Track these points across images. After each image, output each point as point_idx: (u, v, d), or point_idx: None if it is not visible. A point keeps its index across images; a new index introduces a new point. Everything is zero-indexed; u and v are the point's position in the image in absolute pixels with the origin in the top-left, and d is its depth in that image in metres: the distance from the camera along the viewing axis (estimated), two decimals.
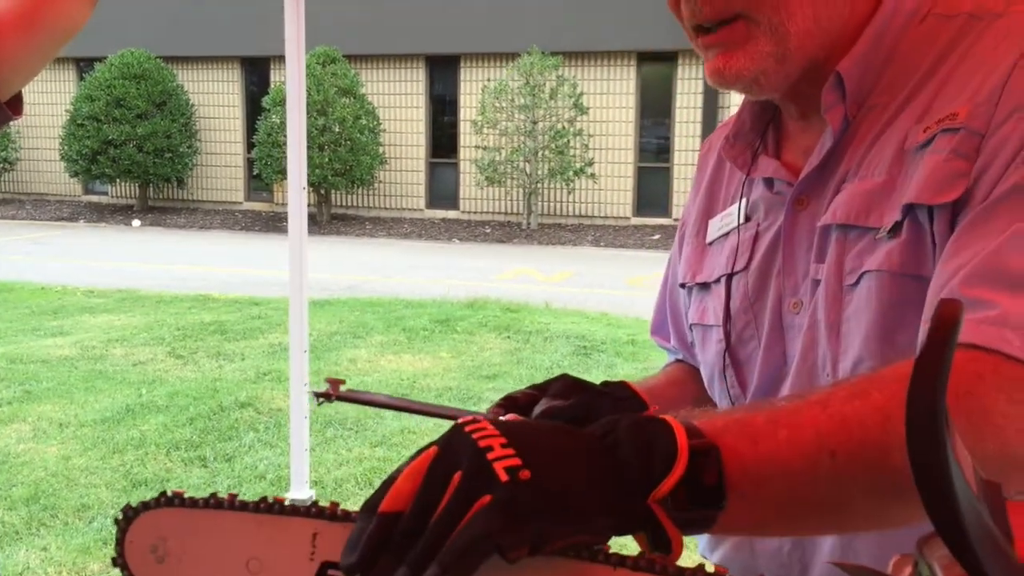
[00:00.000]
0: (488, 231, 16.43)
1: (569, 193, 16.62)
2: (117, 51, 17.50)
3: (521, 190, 16.40)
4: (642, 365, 6.74)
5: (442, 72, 17.83)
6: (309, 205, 16.04)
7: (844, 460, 0.62)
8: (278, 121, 16.34)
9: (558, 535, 0.55)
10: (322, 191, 16.77)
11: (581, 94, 15.86)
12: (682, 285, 1.09)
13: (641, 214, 16.73)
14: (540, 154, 15.77)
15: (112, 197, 19.66)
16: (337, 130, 16.17)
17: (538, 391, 0.99)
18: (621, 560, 0.57)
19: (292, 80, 2.47)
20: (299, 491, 2.92)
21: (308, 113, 15.54)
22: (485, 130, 16.00)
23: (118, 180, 18.18)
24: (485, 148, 16.14)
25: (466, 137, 17.28)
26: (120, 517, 0.73)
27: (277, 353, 7.03)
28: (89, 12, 1.25)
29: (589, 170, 15.86)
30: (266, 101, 16.89)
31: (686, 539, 0.60)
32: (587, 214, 16.91)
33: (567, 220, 16.94)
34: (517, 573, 0.56)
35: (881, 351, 0.80)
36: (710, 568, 0.55)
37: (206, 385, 6.13)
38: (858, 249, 0.83)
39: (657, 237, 15.53)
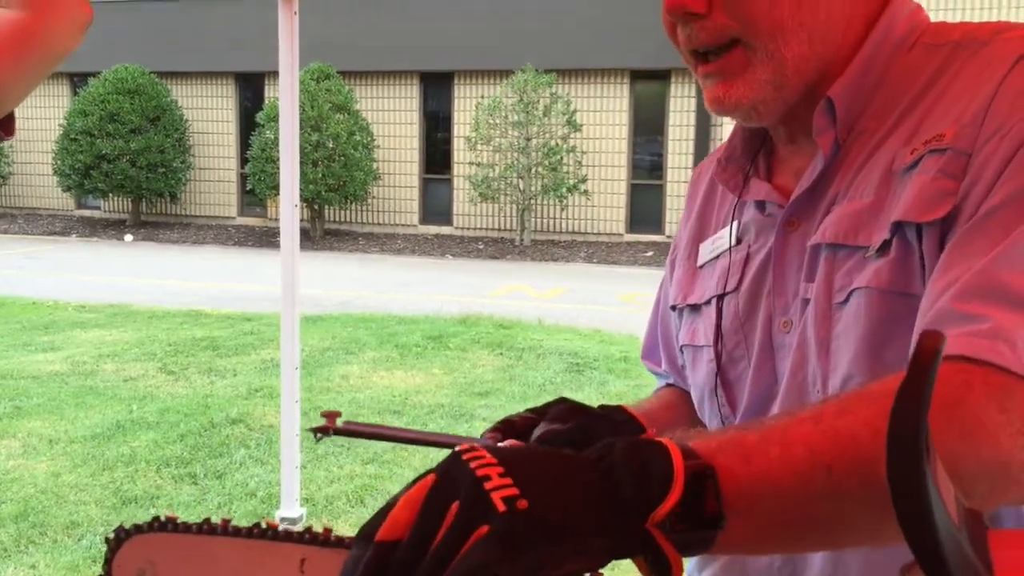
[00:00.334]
0: (481, 247, 16.45)
1: (562, 210, 16.66)
2: (111, 66, 17.52)
3: (514, 206, 16.43)
4: (634, 382, 6.74)
5: (436, 89, 17.89)
6: (302, 220, 15.99)
7: (838, 475, 0.63)
8: (272, 137, 16.36)
9: (556, 564, 0.55)
10: (315, 206, 16.78)
11: (575, 111, 15.92)
12: (673, 307, 1.10)
13: (634, 231, 16.77)
14: (533, 171, 15.82)
15: (105, 212, 19.64)
16: (331, 146, 16.20)
17: (536, 415, 0.99)
18: None
19: (285, 97, 2.48)
20: (290, 509, 2.91)
21: (302, 129, 15.55)
22: (479, 146, 16.04)
23: (111, 195, 18.17)
24: (479, 164, 16.18)
25: (460, 153, 17.33)
26: (111, 538, 0.73)
27: (269, 369, 7.02)
28: (81, 36, 1.27)
29: (582, 187, 15.90)
30: (260, 117, 16.92)
31: None
32: (580, 231, 16.95)
33: (560, 236, 16.97)
34: None
35: (870, 368, 0.82)
36: None
37: (197, 401, 6.11)
38: (847, 268, 0.84)
39: (650, 254, 15.57)
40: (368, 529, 0.58)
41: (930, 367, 0.46)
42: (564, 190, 15.74)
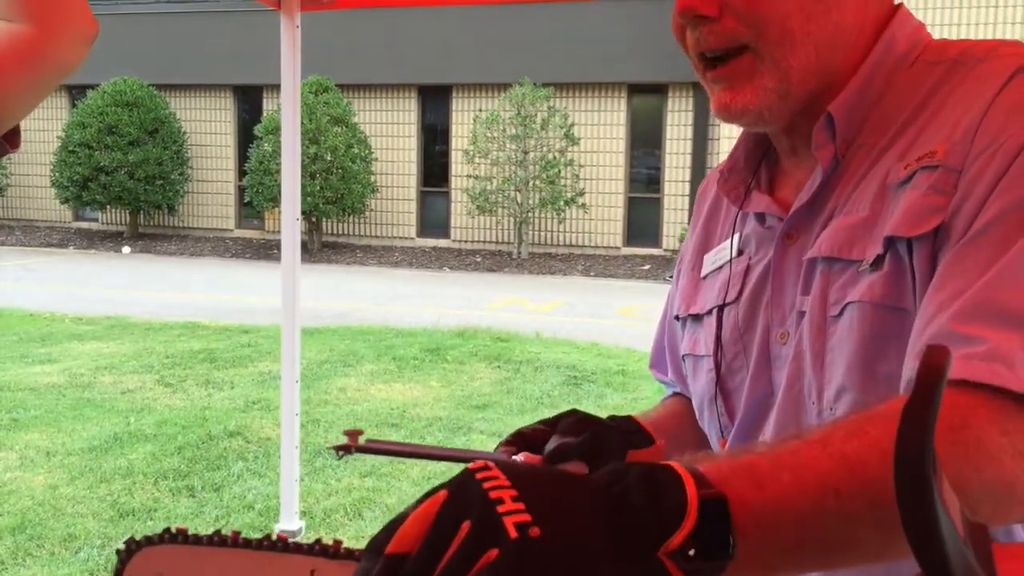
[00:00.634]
0: (479, 260, 16.46)
1: (560, 223, 16.69)
2: (110, 79, 17.56)
3: (512, 219, 16.45)
4: (631, 395, 6.74)
5: (434, 102, 17.94)
6: (300, 233, 15.99)
7: (848, 499, 0.63)
8: (270, 149, 16.39)
9: None
10: (313, 219, 16.80)
11: (572, 125, 15.97)
12: (676, 317, 1.12)
13: (631, 244, 16.79)
14: (531, 184, 15.85)
15: (102, 223, 19.64)
16: (329, 159, 16.23)
17: (548, 427, 0.99)
18: None
19: (287, 111, 2.49)
20: (289, 522, 2.91)
21: (300, 142, 15.57)
22: (476, 159, 16.08)
23: (108, 207, 18.18)
24: (476, 177, 16.21)
25: (457, 166, 17.36)
26: (121, 549, 0.73)
27: (267, 382, 7.01)
28: (86, 51, 1.28)
29: (580, 200, 15.93)
30: (258, 129, 16.95)
31: None
32: (577, 244, 16.97)
33: (557, 250, 16.99)
34: None
35: (863, 381, 0.83)
36: None
37: (195, 414, 6.10)
38: (842, 281, 0.85)
39: (647, 267, 15.58)
40: (378, 542, 0.58)
41: (937, 384, 0.47)
42: (562, 203, 15.77)
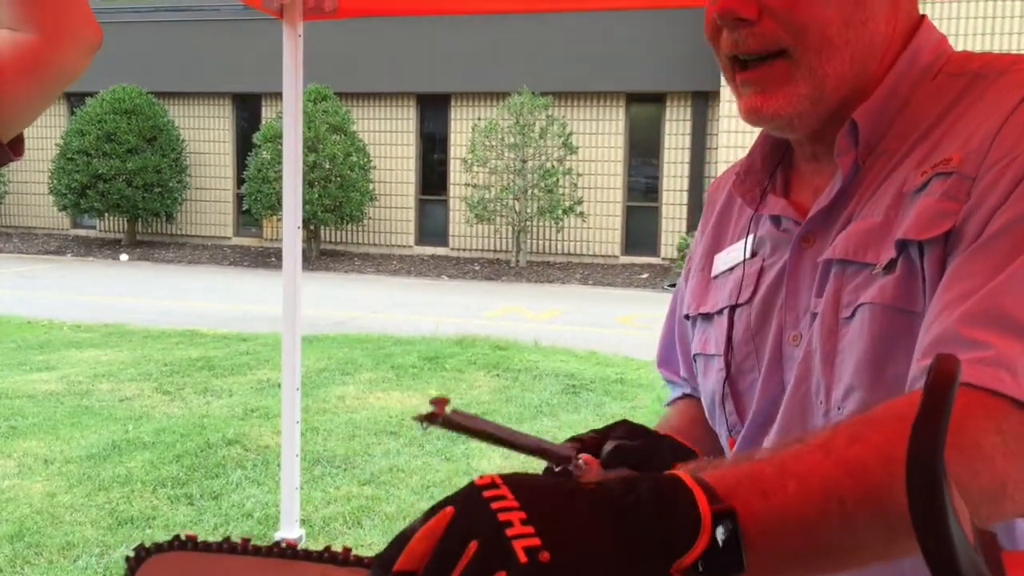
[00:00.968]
0: (477, 268, 16.46)
1: (558, 231, 16.70)
2: (109, 86, 17.57)
3: (510, 228, 16.47)
4: (630, 404, 6.74)
5: (433, 110, 17.97)
6: (301, 241, 15.98)
7: (853, 506, 0.64)
8: (268, 157, 16.40)
9: None
10: (312, 227, 16.80)
11: (570, 133, 16.00)
12: (686, 316, 1.13)
13: (629, 253, 16.81)
14: (529, 192, 15.87)
15: (100, 231, 19.63)
16: (327, 167, 16.24)
17: (600, 435, 0.99)
18: None
19: (289, 120, 2.50)
20: (289, 530, 2.90)
21: (302, 150, 15.58)
22: (475, 168, 16.10)
23: (107, 214, 18.17)
24: (475, 186, 16.23)
25: (456, 175, 17.38)
26: (131, 556, 0.74)
27: (265, 389, 7.00)
28: (89, 59, 1.28)
29: (578, 208, 15.95)
30: (257, 137, 16.97)
31: None
32: (576, 252, 16.98)
33: (556, 258, 17.00)
34: None
35: (871, 382, 0.84)
36: None
37: (193, 422, 6.09)
38: (855, 284, 0.86)
39: (645, 276, 15.60)
40: (386, 557, 0.58)
41: (948, 393, 0.47)
42: (560, 212, 15.79)
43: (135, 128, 17.45)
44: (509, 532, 0.55)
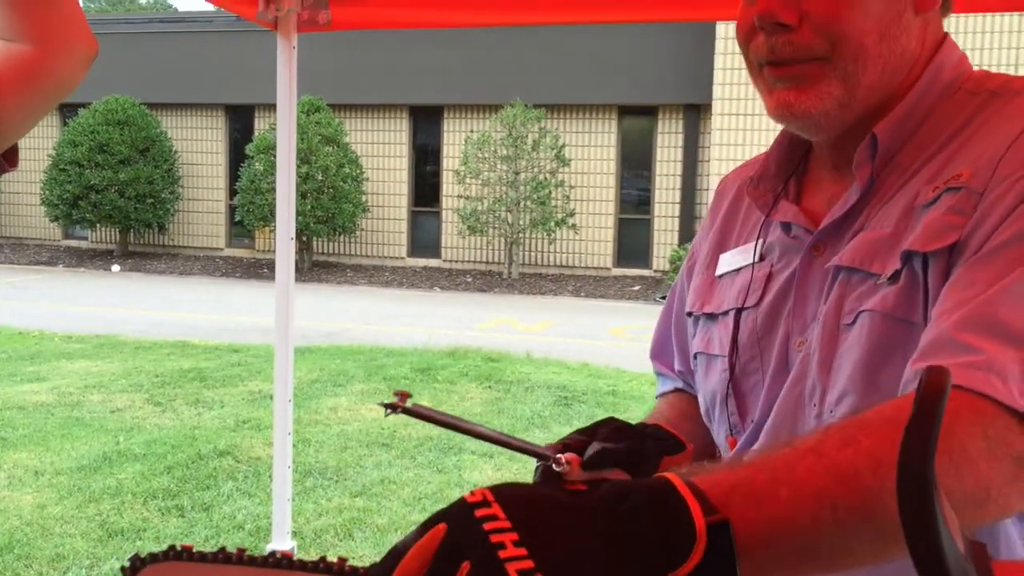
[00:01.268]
0: (469, 280, 16.47)
1: (550, 243, 16.72)
2: (102, 97, 17.56)
3: (503, 240, 16.48)
4: (622, 415, 6.72)
5: (425, 122, 18.00)
6: (294, 253, 15.88)
7: (844, 512, 0.65)
8: (261, 168, 16.39)
9: None
10: (304, 238, 16.78)
11: (563, 146, 16.04)
12: (689, 314, 1.13)
13: (622, 265, 16.83)
14: (522, 204, 15.89)
15: (92, 242, 19.58)
16: (320, 178, 16.24)
17: (586, 435, 0.99)
18: None
19: (282, 133, 2.50)
20: (281, 542, 2.89)
21: (295, 162, 15.57)
22: (467, 180, 16.12)
23: (98, 225, 18.13)
24: (467, 198, 16.24)
25: (448, 186, 17.40)
26: (126, 567, 0.74)
27: (257, 401, 6.99)
28: (85, 70, 1.29)
29: (570, 221, 15.98)
30: (250, 148, 16.96)
31: None
32: (568, 264, 17.00)
33: (548, 270, 17.01)
34: None
35: (865, 389, 0.85)
36: None
37: (184, 433, 6.07)
38: (859, 292, 0.88)
39: (637, 288, 15.61)
40: (379, 573, 0.58)
41: (938, 404, 0.48)
42: (552, 224, 15.81)
43: (128, 139, 17.43)
44: (502, 554, 0.54)
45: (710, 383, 1.07)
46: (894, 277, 0.85)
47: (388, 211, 18.02)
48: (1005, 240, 0.78)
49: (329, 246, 18.08)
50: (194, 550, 0.72)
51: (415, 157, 18.19)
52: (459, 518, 0.57)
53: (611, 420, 1.01)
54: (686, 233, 16.13)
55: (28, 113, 1.29)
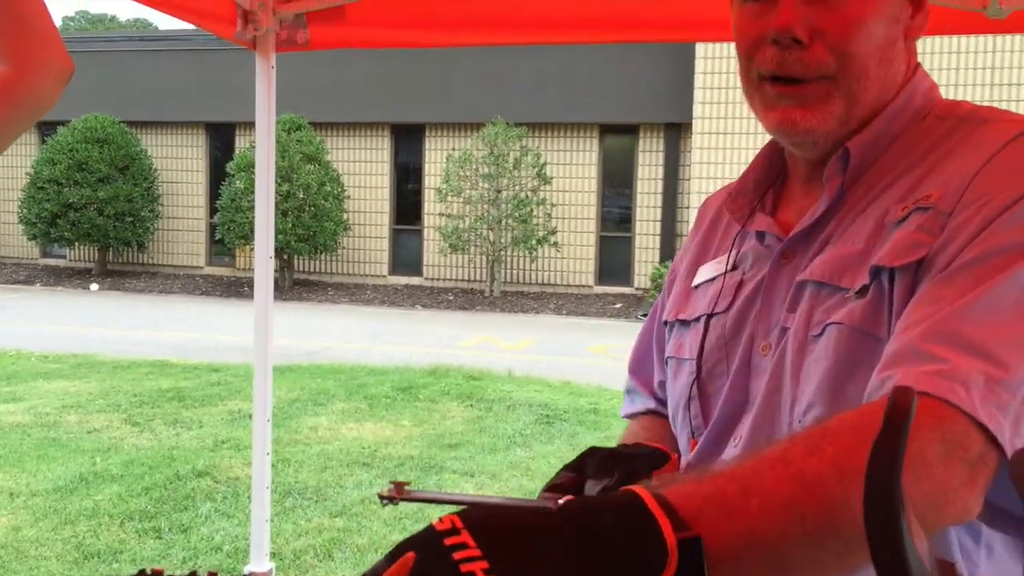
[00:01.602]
0: (451, 298, 16.45)
1: (532, 261, 16.74)
2: (81, 115, 17.48)
3: (484, 257, 16.49)
4: (604, 433, 6.74)
5: (407, 140, 18.02)
6: (273, 272, 15.81)
7: (811, 522, 0.65)
8: (242, 186, 16.35)
9: None
10: (285, 256, 16.73)
11: (544, 164, 16.09)
12: (665, 322, 1.17)
13: (603, 283, 16.87)
14: (503, 222, 15.91)
15: (70, 260, 19.43)
16: (301, 196, 16.21)
17: (575, 471, 1.02)
18: None
19: (261, 153, 2.50)
20: (259, 563, 2.86)
21: (274, 181, 15.54)
22: (449, 198, 16.13)
23: (77, 243, 18.00)
24: (449, 216, 16.25)
25: (430, 204, 17.40)
26: None
27: (236, 420, 6.93)
28: (61, 90, 1.29)
29: (552, 239, 16.01)
30: (230, 166, 16.91)
31: None
32: (550, 282, 17.02)
33: (530, 288, 17.02)
34: None
35: (832, 400, 0.88)
36: None
37: (162, 453, 6.02)
38: (828, 305, 0.91)
39: (619, 306, 15.64)
40: None
41: (904, 425, 0.48)
42: (534, 242, 15.84)
43: (107, 157, 17.34)
44: None
45: (678, 386, 1.10)
46: (862, 291, 0.88)
47: (369, 229, 18.00)
48: (969, 260, 0.81)
49: (310, 264, 18.03)
50: (165, 574, 0.71)
51: (396, 175, 18.20)
52: (428, 547, 0.57)
53: (594, 450, 1.04)
54: (667, 250, 16.20)
55: (4, 132, 1.28)
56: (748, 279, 1.04)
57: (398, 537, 4.91)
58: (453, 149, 16.88)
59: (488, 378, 8.69)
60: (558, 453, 6.21)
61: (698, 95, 14.94)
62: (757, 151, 1.11)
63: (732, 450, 0.98)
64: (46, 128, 18.83)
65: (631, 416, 1.27)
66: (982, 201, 0.84)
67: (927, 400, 0.73)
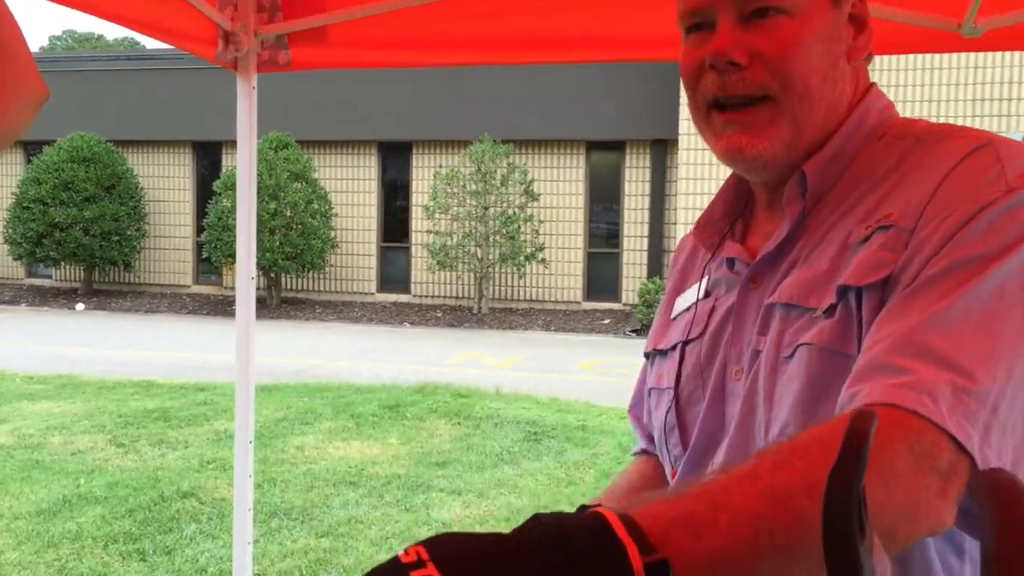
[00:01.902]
0: (439, 315, 16.43)
1: (520, 278, 16.75)
2: (67, 135, 17.44)
3: (472, 274, 16.49)
4: (592, 450, 6.73)
5: (394, 158, 18.04)
6: (259, 289, 15.77)
7: (781, 537, 0.65)
8: (229, 205, 16.32)
9: None
10: (272, 275, 16.69)
11: (532, 181, 16.13)
12: (646, 355, 1.18)
13: (591, 299, 16.88)
14: (491, 239, 15.93)
15: (56, 280, 19.34)
16: (289, 214, 16.19)
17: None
18: None
19: (243, 173, 2.50)
20: None
21: (260, 197, 15.54)
22: (437, 215, 16.14)
23: (63, 263, 17.92)
24: (437, 233, 16.25)
25: (418, 222, 17.41)
26: None
27: (222, 440, 6.90)
28: (33, 116, 1.28)
29: (540, 255, 16.03)
30: (217, 185, 16.88)
31: None
32: (538, 299, 17.02)
33: (518, 304, 17.02)
34: None
35: (805, 420, 0.88)
36: None
37: (147, 474, 5.97)
38: (797, 326, 0.92)
39: (607, 322, 15.65)
40: None
41: (862, 449, 0.48)
42: (522, 258, 15.85)
43: (93, 176, 17.29)
44: None
45: (658, 417, 1.10)
46: (829, 311, 0.89)
47: (357, 247, 17.98)
48: (933, 275, 0.83)
49: (298, 282, 17.99)
50: None
51: (384, 193, 18.20)
52: None
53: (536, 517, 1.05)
54: (655, 266, 16.23)
55: None
56: (720, 304, 1.05)
57: (384, 556, 4.86)
58: (440, 166, 16.91)
59: (476, 395, 8.67)
60: (546, 470, 6.19)
61: (684, 112, 15.01)
62: None
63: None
64: (32, 148, 18.78)
65: (635, 454, 1.29)
66: (942, 216, 0.85)
67: (895, 412, 0.74)
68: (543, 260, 16.16)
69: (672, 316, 1.14)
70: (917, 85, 13.94)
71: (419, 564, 0.56)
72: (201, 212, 18.03)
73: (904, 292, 0.83)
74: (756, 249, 1.03)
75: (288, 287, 17.89)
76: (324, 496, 5.60)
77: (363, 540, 4.85)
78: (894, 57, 13.32)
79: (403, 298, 17.74)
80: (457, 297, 17.27)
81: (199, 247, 18.29)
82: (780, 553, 0.65)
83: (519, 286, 16.99)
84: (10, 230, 17.61)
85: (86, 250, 17.35)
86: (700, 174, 14.85)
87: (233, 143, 3.08)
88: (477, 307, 16.48)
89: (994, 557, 0.47)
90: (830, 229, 0.95)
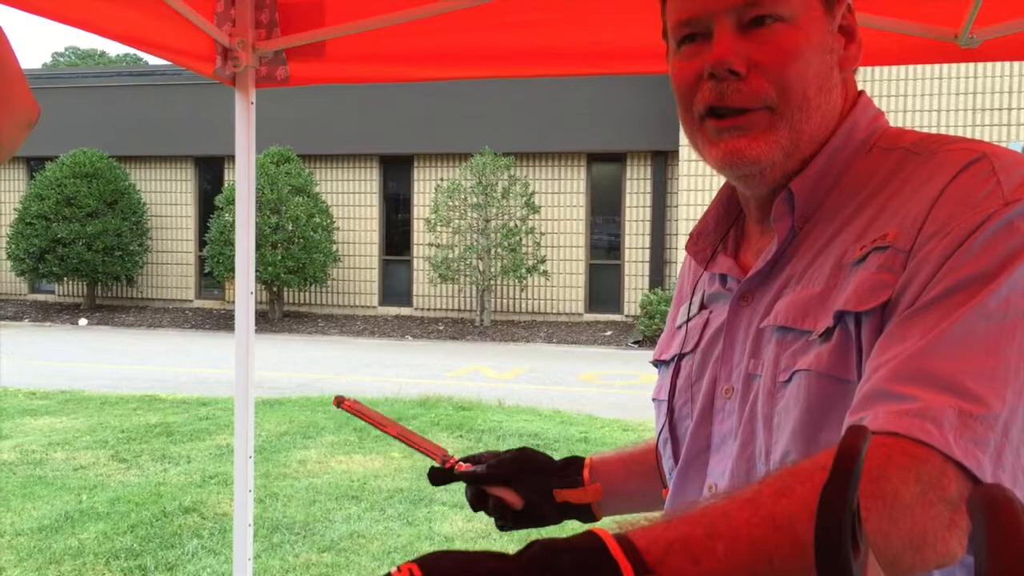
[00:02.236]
0: (441, 328, 16.42)
1: (522, 290, 16.74)
2: (69, 150, 17.48)
3: (474, 287, 16.49)
4: None
5: (396, 171, 18.07)
6: (261, 303, 15.79)
7: (780, 564, 0.65)
8: (231, 220, 16.34)
9: None
10: (275, 289, 16.70)
11: (533, 193, 16.14)
12: (653, 363, 1.19)
13: (593, 310, 16.87)
14: (493, 252, 15.94)
15: (59, 296, 19.36)
16: (290, 228, 16.21)
17: (491, 456, 1.30)
18: None
19: (241, 187, 2.50)
20: None
21: (261, 211, 15.58)
22: (438, 228, 16.15)
23: (66, 279, 17.94)
24: (438, 246, 16.27)
25: (419, 235, 17.43)
26: None
27: (225, 455, 6.88)
28: (26, 135, 1.28)
29: (541, 267, 16.03)
30: (219, 200, 16.92)
31: None
32: (540, 311, 17.01)
33: (520, 317, 17.01)
34: None
35: (807, 447, 0.87)
36: None
37: (149, 490, 5.96)
38: (793, 350, 0.90)
39: (609, 333, 15.64)
40: None
41: (853, 466, 0.48)
42: (523, 271, 15.86)
43: (95, 192, 17.33)
44: None
45: (657, 427, 1.11)
46: (826, 335, 0.87)
47: (359, 260, 17.99)
48: (933, 297, 0.80)
49: (300, 296, 18.00)
50: None
51: (386, 206, 18.23)
52: None
53: (522, 449, 1.29)
54: (657, 277, 16.23)
55: None
56: (713, 319, 1.05)
57: (386, 571, 4.84)
58: (442, 179, 16.94)
59: (478, 408, 8.65)
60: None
61: None
62: None
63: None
64: (34, 163, 18.83)
65: None
66: (940, 235, 0.83)
67: (900, 441, 0.72)
68: (545, 272, 16.16)
69: (676, 325, 1.14)
70: (916, 95, 13.96)
71: None
72: (203, 227, 18.06)
73: (905, 315, 0.81)
74: (748, 265, 1.02)
75: (290, 301, 17.89)
76: (326, 510, 5.58)
77: (365, 555, 4.84)
78: (892, 67, 13.35)
79: (405, 311, 17.73)
80: (459, 310, 17.27)
81: (202, 262, 18.31)
82: None
83: (521, 298, 16.99)
84: (13, 246, 17.64)
85: (89, 265, 17.37)
86: (701, 185, 14.85)
87: (235, 158, 3.09)
88: (479, 320, 16.47)
89: (987, 574, 0.46)
90: (823, 247, 0.93)
